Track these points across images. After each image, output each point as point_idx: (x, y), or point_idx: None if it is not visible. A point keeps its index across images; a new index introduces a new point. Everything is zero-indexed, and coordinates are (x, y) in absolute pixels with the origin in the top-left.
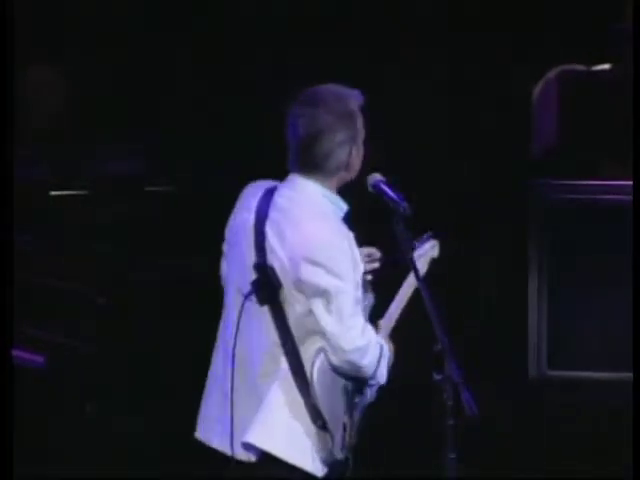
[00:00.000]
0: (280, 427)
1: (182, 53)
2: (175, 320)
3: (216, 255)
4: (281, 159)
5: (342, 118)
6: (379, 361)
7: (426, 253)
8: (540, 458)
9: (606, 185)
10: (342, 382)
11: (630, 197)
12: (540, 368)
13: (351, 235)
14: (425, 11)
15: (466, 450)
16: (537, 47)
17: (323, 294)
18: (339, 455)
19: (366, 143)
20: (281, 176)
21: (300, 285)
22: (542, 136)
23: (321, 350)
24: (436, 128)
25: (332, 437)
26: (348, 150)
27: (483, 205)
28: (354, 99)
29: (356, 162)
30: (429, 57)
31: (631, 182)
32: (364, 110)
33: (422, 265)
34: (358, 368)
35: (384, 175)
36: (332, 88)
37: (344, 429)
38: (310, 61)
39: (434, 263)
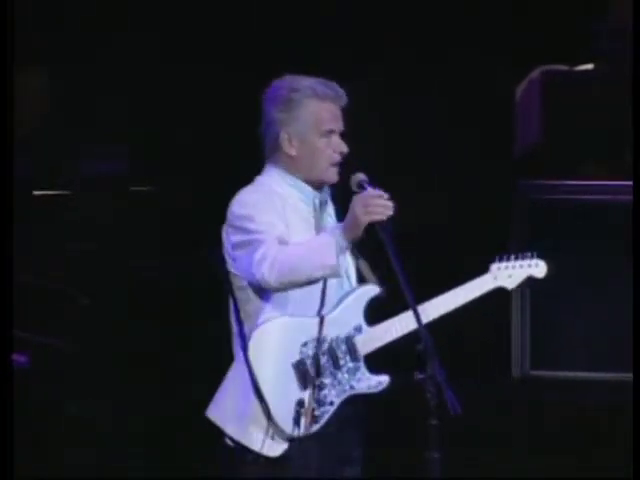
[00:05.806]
0: (228, 401)
1: (168, 54)
2: (158, 319)
3: (198, 256)
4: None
5: (272, 101)
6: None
7: (523, 267)
8: (523, 457)
9: (589, 185)
10: (295, 357)
11: (613, 197)
12: (523, 368)
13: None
14: (408, 12)
15: (449, 450)
16: (520, 47)
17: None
18: (294, 432)
19: (346, 140)
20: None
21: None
22: (525, 136)
23: (257, 325)
24: (419, 128)
25: (278, 412)
26: (276, 132)
27: (467, 205)
28: (302, 87)
29: (297, 150)
30: (412, 58)
31: (613, 182)
32: (338, 104)
33: (517, 277)
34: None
35: (368, 174)
36: (287, 77)
37: (299, 405)
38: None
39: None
